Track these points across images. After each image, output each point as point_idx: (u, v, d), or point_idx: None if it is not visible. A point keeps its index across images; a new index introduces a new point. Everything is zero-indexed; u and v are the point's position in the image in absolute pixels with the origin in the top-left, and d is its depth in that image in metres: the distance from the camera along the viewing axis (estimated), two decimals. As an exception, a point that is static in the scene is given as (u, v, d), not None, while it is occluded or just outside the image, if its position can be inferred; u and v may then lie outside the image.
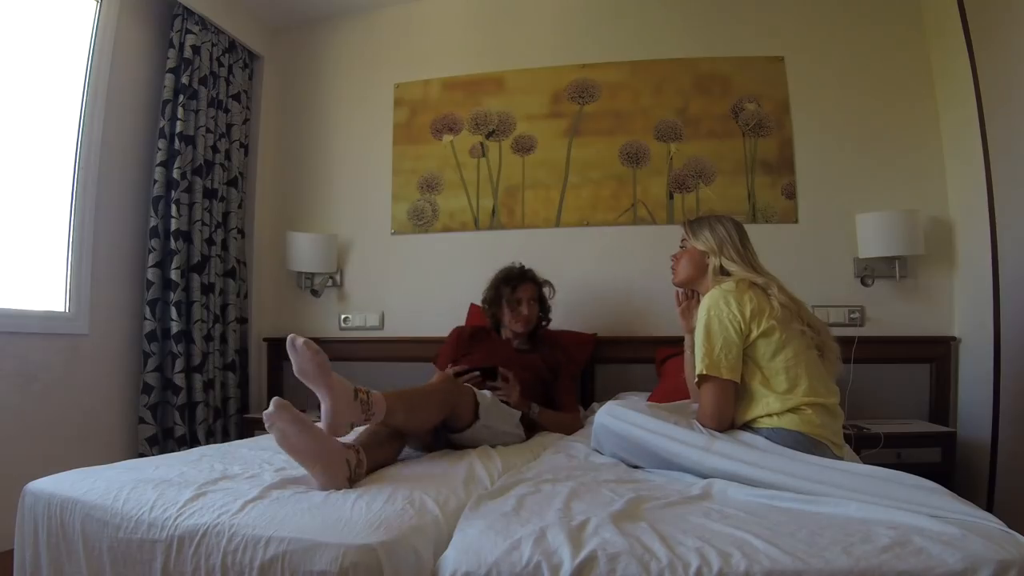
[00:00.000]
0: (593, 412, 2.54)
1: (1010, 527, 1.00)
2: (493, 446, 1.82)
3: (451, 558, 1.00)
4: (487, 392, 1.94)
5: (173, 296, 2.68)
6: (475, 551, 0.99)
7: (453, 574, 0.97)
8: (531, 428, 2.11)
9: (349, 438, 1.47)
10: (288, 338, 1.43)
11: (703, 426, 1.52)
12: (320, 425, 1.38)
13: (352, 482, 1.32)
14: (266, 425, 1.32)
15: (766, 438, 1.47)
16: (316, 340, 3.23)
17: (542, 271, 2.92)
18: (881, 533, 0.98)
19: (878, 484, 1.21)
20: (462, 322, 2.85)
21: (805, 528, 1.02)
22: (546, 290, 2.51)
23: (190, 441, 2.69)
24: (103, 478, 1.34)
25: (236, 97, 3.11)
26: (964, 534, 0.95)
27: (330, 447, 1.33)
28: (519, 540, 0.99)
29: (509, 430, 1.95)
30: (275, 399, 1.33)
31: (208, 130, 2.91)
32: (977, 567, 0.87)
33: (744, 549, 0.94)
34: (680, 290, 1.84)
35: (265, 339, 3.24)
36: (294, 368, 1.41)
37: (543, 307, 2.49)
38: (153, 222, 2.68)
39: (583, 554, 0.94)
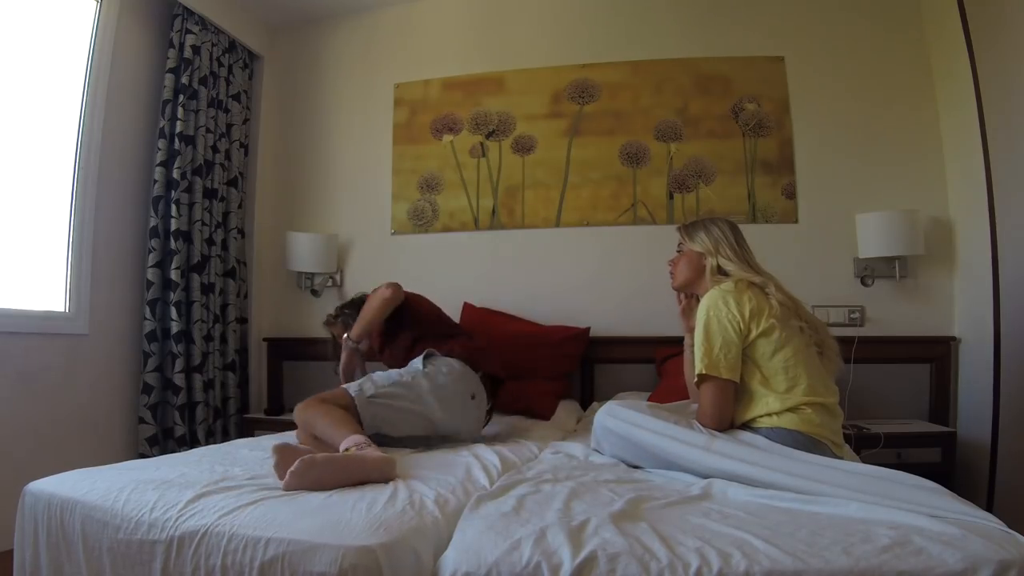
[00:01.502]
0: (593, 412, 2.55)
1: (1010, 527, 1.00)
2: (446, 435, 1.85)
3: (451, 558, 1.00)
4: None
5: (173, 296, 2.68)
6: (475, 551, 0.99)
7: (453, 574, 0.97)
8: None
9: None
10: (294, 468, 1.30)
11: (703, 426, 1.52)
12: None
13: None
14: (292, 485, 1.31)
15: (766, 437, 1.47)
16: (316, 340, 3.25)
17: (542, 271, 2.97)
18: (881, 533, 0.98)
19: (878, 484, 1.21)
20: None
21: (805, 528, 1.02)
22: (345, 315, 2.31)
23: (190, 441, 2.69)
24: (103, 479, 1.34)
25: (236, 97, 3.11)
26: (964, 534, 0.95)
27: (364, 462, 1.37)
28: (519, 540, 0.99)
29: (410, 379, 1.87)
30: (276, 457, 1.34)
31: (208, 130, 2.90)
32: (977, 567, 0.87)
33: (744, 549, 0.94)
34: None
35: (265, 339, 3.24)
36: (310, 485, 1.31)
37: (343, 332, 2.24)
38: (153, 222, 2.68)
39: (583, 554, 0.94)
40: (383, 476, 1.34)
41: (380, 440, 1.79)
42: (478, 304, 2.95)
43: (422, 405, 1.83)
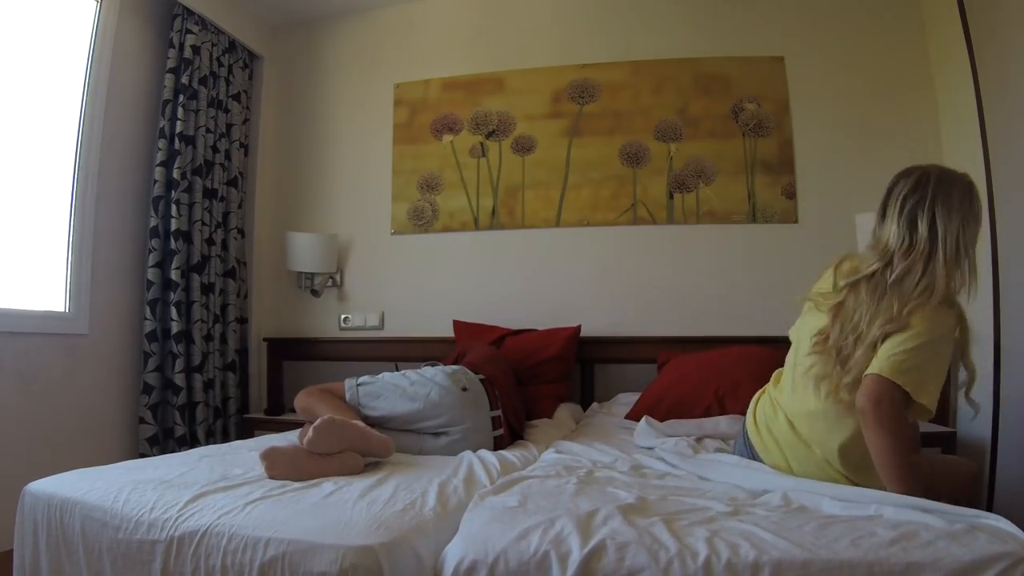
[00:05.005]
0: (594, 413, 2.55)
1: (1013, 526, 1.00)
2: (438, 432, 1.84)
3: (457, 547, 0.99)
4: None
5: (173, 296, 2.68)
6: (482, 540, 0.98)
7: (459, 563, 0.96)
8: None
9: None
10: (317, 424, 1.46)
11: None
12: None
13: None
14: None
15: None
16: (316, 340, 3.25)
17: (542, 271, 2.97)
18: (889, 527, 0.98)
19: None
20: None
21: (813, 522, 1.02)
22: None
23: (190, 441, 2.69)
24: (103, 479, 1.34)
25: (236, 97, 3.11)
26: (972, 530, 0.95)
27: (336, 462, 1.43)
28: (527, 530, 0.99)
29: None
30: (265, 463, 1.40)
31: (208, 130, 2.90)
32: (986, 562, 0.87)
33: (752, 540, 0.94)
34: None
35: (265, 339, 3.24)
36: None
37: None
38: (153, 222, 2.68)
39: (592, 543, 0.94)
40: (383, 451, 1.57)
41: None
42: (477, 305, 2.96)
43: (406, 381, 1.88)
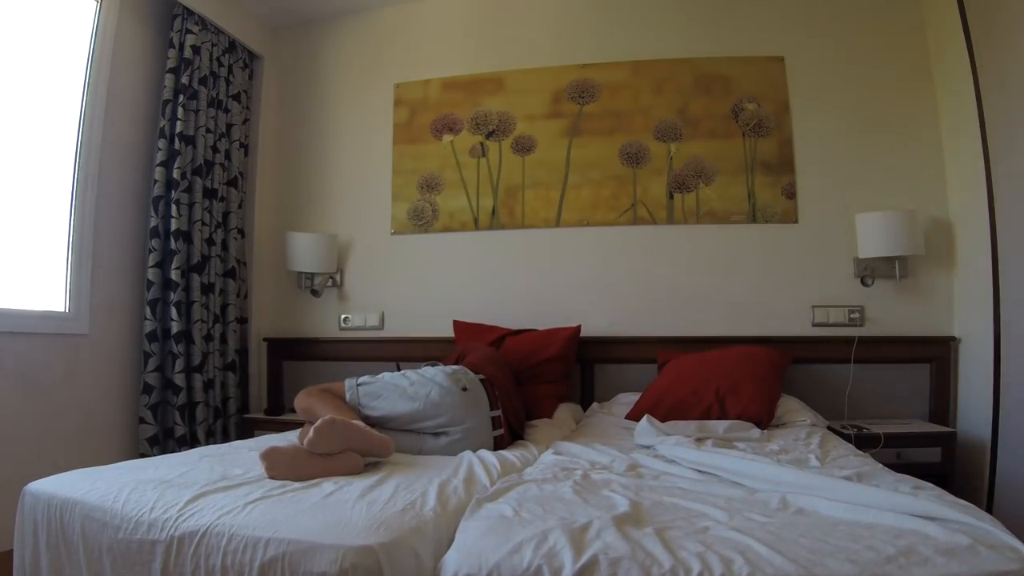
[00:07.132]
0: (594, 413, 2.55)
1: (1009, 527, 0.99)
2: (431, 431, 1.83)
3: (452, 560, 1.00)
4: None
5: (173, 296, 2.68)
6: (476, 553, 0.99)
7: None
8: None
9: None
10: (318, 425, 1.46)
11: None
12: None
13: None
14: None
15: None
16: (316, 340, 3.25)
17: (542, 271, 2.97)
18: (888, 540, 0.97)
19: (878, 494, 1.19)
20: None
21: (809, 534, 1.01)
22: None
23: (190, 441, 2.69)
24: (103, 479, 1.34)
25: (236, 97, 3.11)
26: (971, 544, 0.93)
27: (336, 462, 1.44)
28: (520, 543, 0.99)
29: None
30: (265, 463, 1.40)
31: (208, 130, 2.90)
32: None
33: (747, 555, 0.93)
34: None
35: (265, 339, 3.24)
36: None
37: None
38: (153, 222, 2.68)
39: (584, 558, 0.93)
40: (383, 451, 1.57)
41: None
42: (477, 305, 2.96)
43: (406, 381, 1.88)
